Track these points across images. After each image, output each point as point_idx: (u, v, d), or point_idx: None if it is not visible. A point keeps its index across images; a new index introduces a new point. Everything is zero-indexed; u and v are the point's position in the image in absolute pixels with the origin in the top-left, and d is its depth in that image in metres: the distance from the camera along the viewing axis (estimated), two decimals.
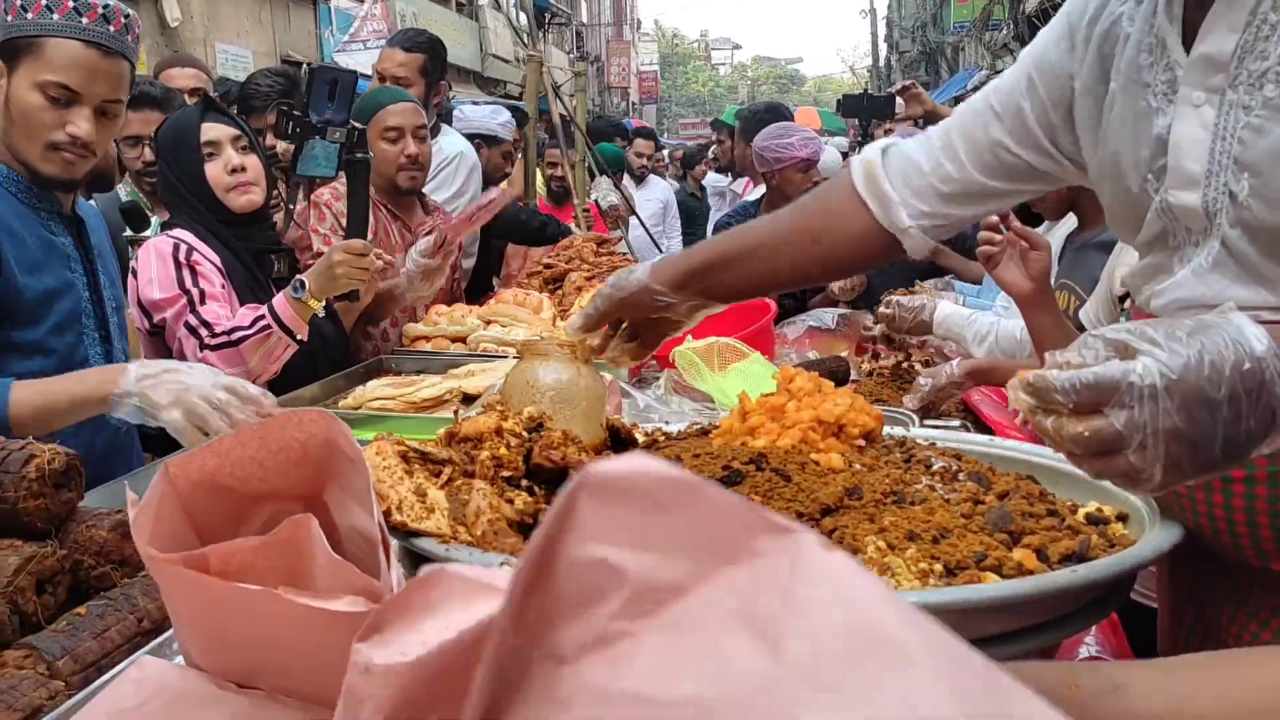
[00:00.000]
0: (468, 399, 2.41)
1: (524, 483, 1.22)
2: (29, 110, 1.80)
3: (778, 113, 4.73)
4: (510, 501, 1.18)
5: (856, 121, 4.25)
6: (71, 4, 1.77)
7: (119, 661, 1.14)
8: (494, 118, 4.34)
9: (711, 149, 4.75)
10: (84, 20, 1.78)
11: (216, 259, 2.34)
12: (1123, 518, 1.21)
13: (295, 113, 2.19)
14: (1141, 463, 0.83)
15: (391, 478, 1.11)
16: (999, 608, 0.92)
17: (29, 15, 1.77)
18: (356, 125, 2.26)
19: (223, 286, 2.33)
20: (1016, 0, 13.68)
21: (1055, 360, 0.88)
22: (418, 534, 1.07)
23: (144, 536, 0.83)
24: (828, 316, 3.31)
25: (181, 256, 2.28)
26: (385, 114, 2.96)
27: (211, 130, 2.37)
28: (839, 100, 4.02)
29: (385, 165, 2.95)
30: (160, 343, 2.33)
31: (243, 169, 2.38)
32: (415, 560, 1.09)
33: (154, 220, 2.93)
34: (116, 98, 1.86)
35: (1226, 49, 1.02)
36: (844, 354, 2.93)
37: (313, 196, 2.93)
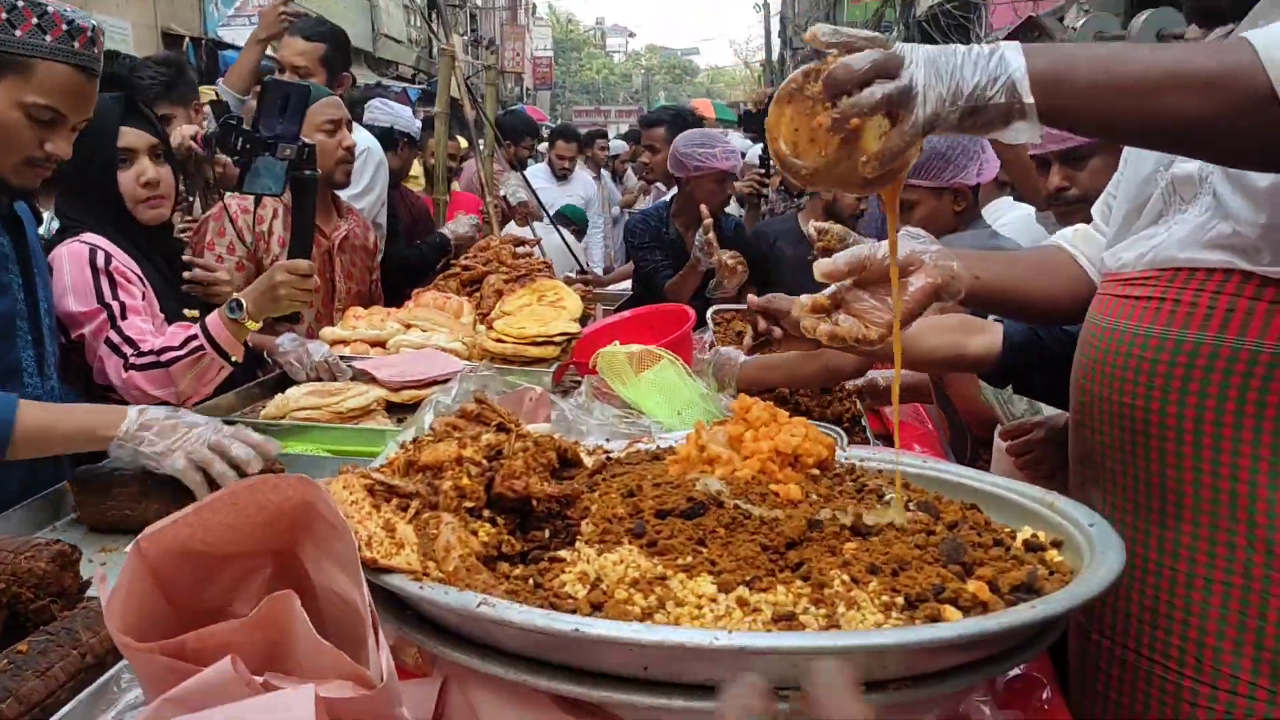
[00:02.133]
0: (392, 407, 2.38)
1: (486, 513, 1.22)
2: (8, 126, 1.77)
3: (681, 116, 4.80)
4: (474, 533, 1.17)
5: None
6: (65, 27, 1.74)
7: (65, 701, 1.10)
8: (399, 112, 4.23)
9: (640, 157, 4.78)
10: (75, 44, 1.76)
11: (135, 268, 2.23)
12: (1057, 544, 1.27)
13: (244, 128, 2.10)
14: (914, 79, 1.00)
15: (359, 513, 1.10)
16: (966, 644, 0.97)
17: (17, 33, 1.71)
18: (307, 142, 2.19)
19: (144, 298, 2.21)
20: (908, 4, 14.07)
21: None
22: (388, 570, 1.06)
23: (116, 621, 0.80)
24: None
25: (100, 264, 2.16)
26: (318, 108, 2.88)
27: (130, 136, 2.25)
28: (742, 116, 4.14)
29: (324, 158, 2.85)
30: (76, 358, 2.20)
31: (156, 183, 2.28)
32: (387, 601, 1.07)
33: (45, 217, 2.77)
34: (90, 117, 1.87)
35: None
36: None
37: (221, 204, 2.81)
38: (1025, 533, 1.30)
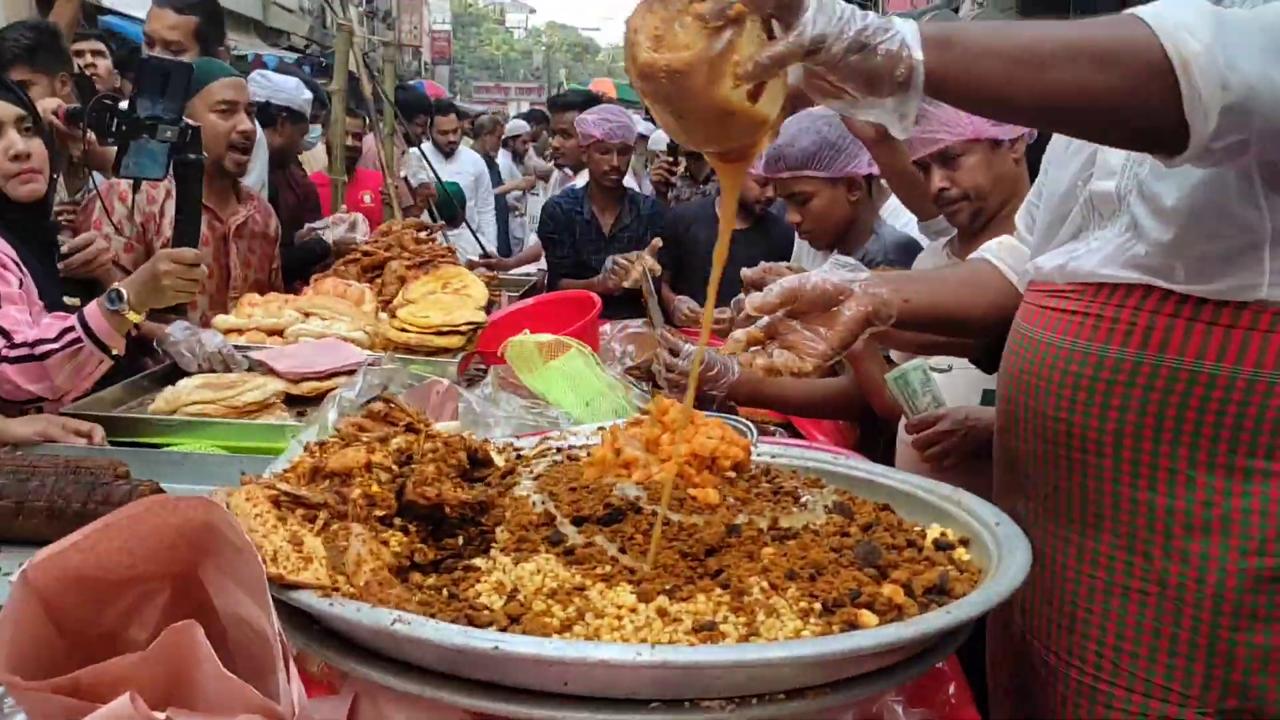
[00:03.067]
0: (291, 400, 2.30)
1: (397, 521, 1.18)
2: None
3: (590, 99, 4.77)
4: (385, 543, 1.14)
5: None
6: None
7: None
8: (300, 92, 4.03)
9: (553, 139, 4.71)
10: None
11: (11, 253, 2.09)
12: (964, 542, 1.30)
13: (120, 108, 1.98)
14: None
15: (264, 526, 1.05)
16: (884, 651, 0.98)
17: None
18: (190, 123, 2.07)
19: (20, 286, 2.08)
20: None
21: None
22: (296, 586, 1.01)
23: (1, 659, 0.74)
24: (636, 322, 3.34)
25: None
26: (214, 88, 2.74)
27: None
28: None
29: (214, 143, 2.71)
30: None
31: (27, 155, 2.12)
32: (293, 615, 1.03)
33: None
34: None
35: None
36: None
37: (108, 183, 2.66)
38: (935, 531, 1.33)
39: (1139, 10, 1.02)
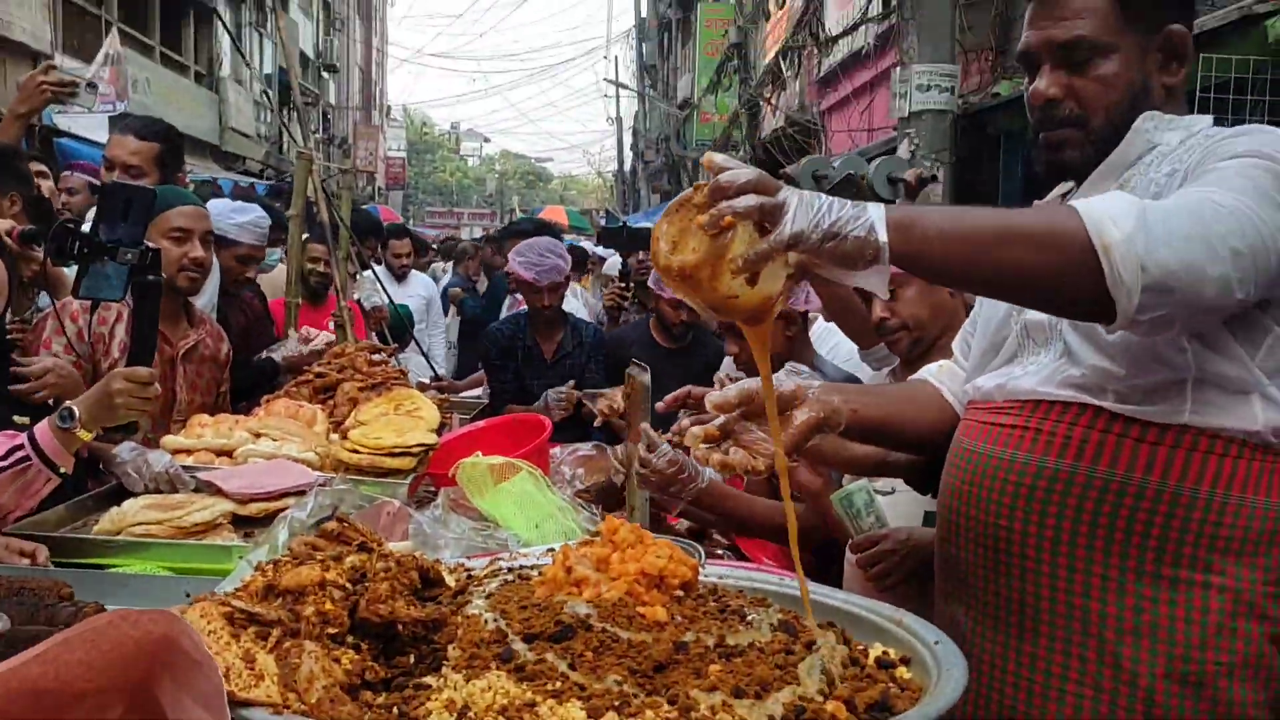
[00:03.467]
0: (239, 520, 2.29)
1: (349, 638, 1.19)
2: None
3: (544, 228, 4.91)
4: (337, 660, 1.15)
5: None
6: None
7: None
8: (233, 216, 3.94)
9: None
10: None
11: None
12: (905, 660, 1.34)
13: (82, 231, 2.02)
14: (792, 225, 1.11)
15: (218, 643, 1.06)
16: None
17: None
18: (149, 245, 2.11)
19: None
20: (754, 126, 14.83)
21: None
22: (248, 704, 1.02)
23: None
24: (586, 445, 3.38)
25: None
26: (171, 215, 2.79)
27: None
28: (599, 232, 4.35)
29: (166, 267, 2.75)
30: None
31: None
32: None
33: None
34: None
35: None
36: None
37: (60, 303, 2.68)
38: (877, 650, 1.36)
39: (1075, 201, 1.18)
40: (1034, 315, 1.42)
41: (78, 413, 2.01)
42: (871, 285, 1.16)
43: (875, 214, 1.13)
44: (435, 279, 8.17)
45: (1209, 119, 1.43)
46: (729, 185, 1.13)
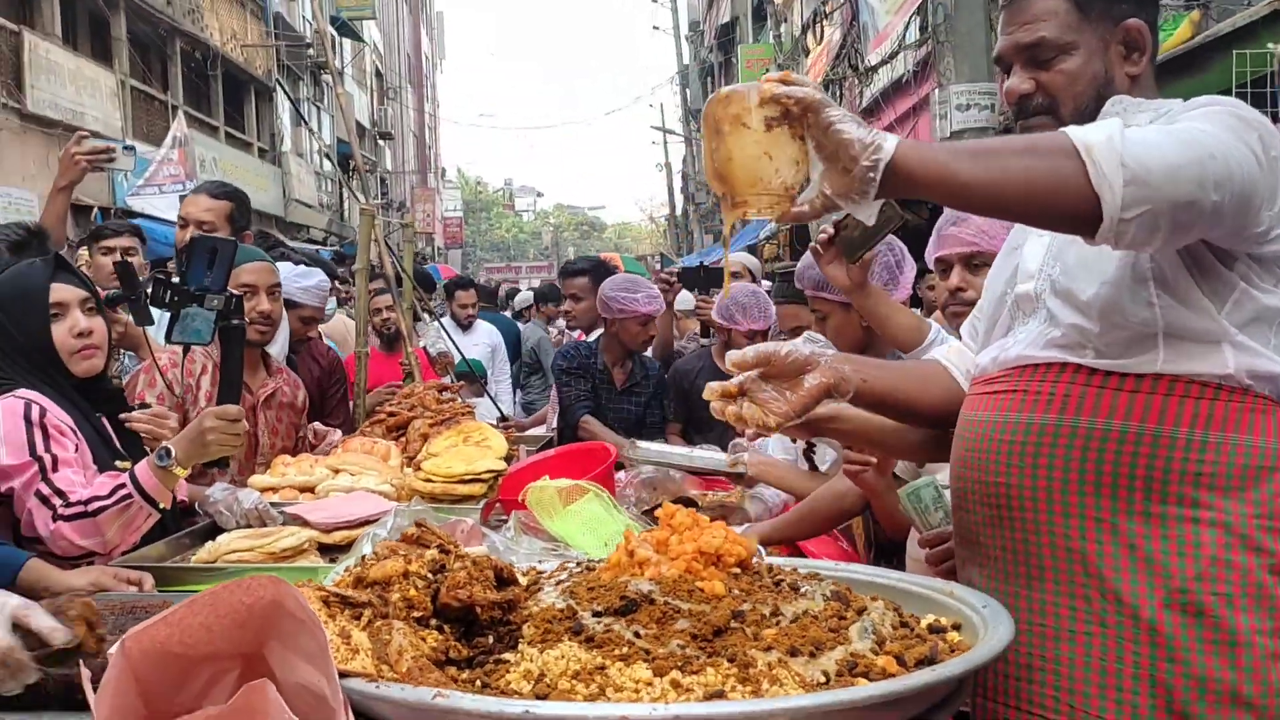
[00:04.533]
0: (324, 549, 2.42)
1: (433, 622, 1.30)
2: None
3: (601, 266, 5.05)
4: (424, 640, 1.25)
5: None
6: None
7: None
8: (298, 280, 4.17)
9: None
10: None
11: (69, 420, 2.27)
12: (957, 626, 1.41)
13: (173, 281, 2.20)
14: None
15: None
16: (876, 705, 1.08)
17: None
18: (234, 292, 2.29)
19: (76, 450, 2.25)
20: None
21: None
22: (345, 675, 1.13)
23: (103, 717, 0.87)
24: (650, 470, 3.48)
25: (34, 417, 2.19)
26: (240, 271, 2.98)
27: (61, 291, 2.32)
28: (679, 272, 4.48)
29: None
30: (5, 512, 2.20)
31: (89, 332, 2.33)
32: None
33: None
34: None
35: None
36: (691, 493, 3.13)
37: (150, 360, 2.87)
38: (929, 619, 1.44)
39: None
40: (1022, 288, 1.54)
41: (174, 451, 2.17)
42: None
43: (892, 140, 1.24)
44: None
45: (1176, 102, 1.53)
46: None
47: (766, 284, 5.06)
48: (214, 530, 2.54)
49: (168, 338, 2.24)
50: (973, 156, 1.26)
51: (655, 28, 31.26)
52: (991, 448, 1.50)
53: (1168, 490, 1.39)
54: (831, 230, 2.54)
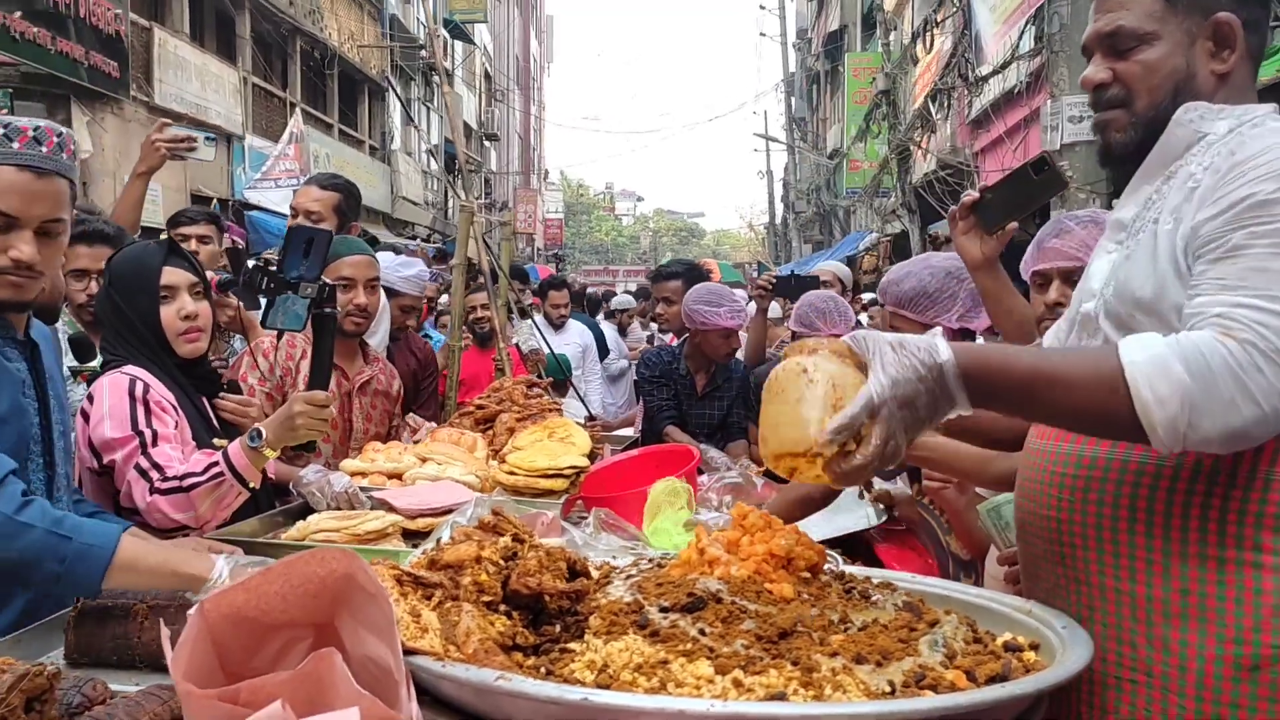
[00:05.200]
0: (407, 534, 2.48)
1: (502, 607, 1.32)
2: None
3: (694, 269, 5.04)
4: (492, 624, 1.27)
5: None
6: (1, 130, 1.79)
7: None
8: (399, 269, 4.30)
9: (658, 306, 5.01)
10: (14, 145, 1.80)
11: (171, 398, 2.37)
12: (1035, 646, 1.36)
13: (271, 268, 2.28)
14: (898, 437, 1.22)
15: None
16: (943, 718, 1.05)
17: None
18: (327, 281, 2.35)
19: (176, 427, 2.35)
20: (904, 171, 14.73)
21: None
22: (413, 652, 1.15)
23: (180, 671, 0.91)
24: (733, 473, 3.45)
25: (139, 393, 2.30)
26: (340, 264, 3.07)
27: (171, 274, 2.42)
28: (771, 282, 4.47)
29: None
30: (106, 482, 2.31)
31: (195, 316, 2.43)
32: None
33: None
34: (57, 217, 1.86)
35: (1128, 216, 1.48)
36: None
37: (253, 343, 2.98)
38: (1005, 636, 1.40)
39: (1123, 358, 1.24)
40: (1086, 307, 1.49)
41: (265, 433, 2.25)
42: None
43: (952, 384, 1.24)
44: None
45: (1268, 107, 1.44)
46: None
47: (868, 296, 4.99)
48: (305, 510, 2.62)
49: (263, 323, 2.32)
50: (1020, 399, 1.29)
51: (763, 34, 31.16)
52: (1046, 479, 1.45)
53: (1226, 531, 1.30)
54: (976, 195, 2.38)
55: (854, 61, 20.63)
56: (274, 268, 2.31)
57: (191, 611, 0.95)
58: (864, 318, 5.86)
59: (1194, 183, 1.37)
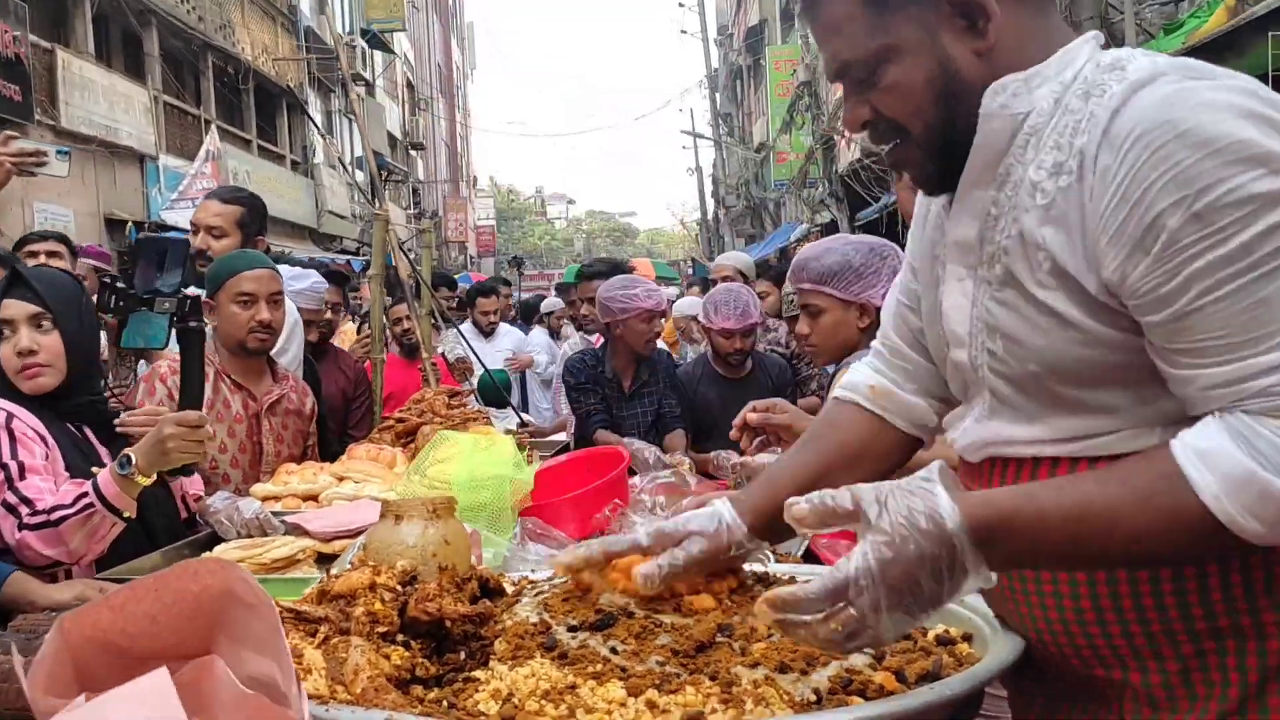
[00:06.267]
0: (322, 558, 2.35)
1: (400, 637, 1.22)
2: None
3: (618, 268, 4.96)
4: (387, 657, 1.17)
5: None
6: None
7: None
8: (292, 282, 4.04)
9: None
10: None
11: (38, 427, 2.22)
12: (967, 637, 1.30)
13: (119, 285, 2.13)
14: (877, 631, 1.01)
15: None
16: None
17: None
18: (188, 294, 2.20)
19: (46, 458, 2.19)
20: (829, 161, 14.81)
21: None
22: None
23: (40, 689, 0.81)
24: (666, 473, 3.38)
25: (0, 422, 2.15)
26: (241, 279, 2.93)
27: (10, 308, 2.24)
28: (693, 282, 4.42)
29: (236, 329, 2.90)
30: None
31: (32, 351, 2.24)
32: None
33: None
34: None
35: (971, 235, 1.21)
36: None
37: (152, 367, 2.82)
38: (937, 629, 1.33)
39: (1206, 498, 1.00)
40: (957, 356, 1.27)
41: (135, 459, 2.11)
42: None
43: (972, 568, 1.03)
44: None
45: (1082, 41, 1.15)
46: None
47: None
48: (214, 540, 2.48)
49: (118, 343, 2.19)
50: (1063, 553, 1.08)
51: (684, 31, 31.16)
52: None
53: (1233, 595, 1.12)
54: None
55: (775, 54, 20.75)
56: (121, 284, 2.17)
57: (50, 631, 0.85)
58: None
59: (1044, 197, 1.11)
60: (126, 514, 2.11)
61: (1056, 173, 1.11)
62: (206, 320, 2.43)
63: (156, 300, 2.13)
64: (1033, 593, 1.23)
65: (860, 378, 1.50)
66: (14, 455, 2.12)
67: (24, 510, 2.08)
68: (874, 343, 1.53)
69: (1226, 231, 0.99)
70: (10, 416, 2.17)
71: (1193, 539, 1.02)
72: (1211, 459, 1.00)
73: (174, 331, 2.17)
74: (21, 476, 2.12)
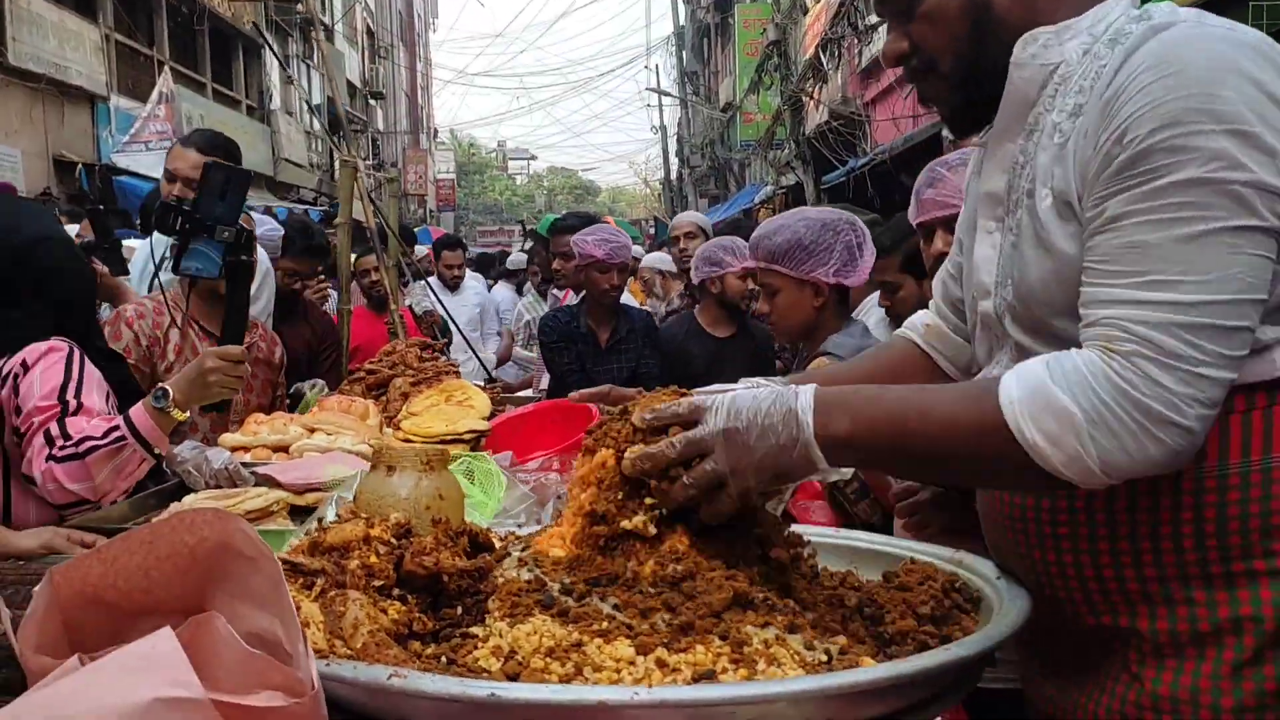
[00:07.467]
0: (295, 511, 2.30)
1: (396, 591, 1.18)
2: None
3: (590, 220, 4.90)
4: (384, 611, 1.14)
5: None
6: None
7: None
8: (273, 232, 4.05)
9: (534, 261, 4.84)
10: None
11: (106, 388, 2.17)
12: (975, 601, 1.29)
13: (185, 207, 2.05)
14: (717, 464, 1.11)
15: None
16: (886, 689, 0.96)
17: None
18: (245, 227, 2.13)
19: (108, 400, 2.14)
20: (797, 122, 14.74)
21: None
22: None
23: (31, 645, 0.77)
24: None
25: (75, 364, 2.10)
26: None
27: None
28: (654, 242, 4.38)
29: None
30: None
31: None
32: None
33: None
34: None
35: (1000, 187, 1.25)
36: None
37: (117, 310, 2.73)
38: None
39: (1002, 398, 1.07)
40: (984, 307, 1.29)
41: (172, 392, 2.04)
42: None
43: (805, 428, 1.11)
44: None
45: (1120, 4, 1.18)
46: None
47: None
48: (181, 490, 2.41)
49: (174, 269, 2.12)
50: (891, 434, 1.13)
51: None
52: (1010, 514, 1.27)
53: (1227, 544, 1.13)
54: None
55: (744, 13, 20.54)
56: (188, 207, 2.09)
57: (39, 585, 0.80)
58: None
59: (1060, 136, 1.14)
60: (158, 450, 2.05)
61: (1075, 114, 1.15)
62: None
63: (218, 229, 2.06)
64: (1048, 535, 1.24)
65: (919, 317, 1.58)
66: (76, 394, 2.04)
67: (60, 442, 2.01)
68: (930, 302, 1.59)
69: (1155, 173, 1.04)
70: (84, 358, 2.10)
71: (996, 448, 1.08)
72: (1024, 370, 1.08)
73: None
74: (75, 414, 2.04)
